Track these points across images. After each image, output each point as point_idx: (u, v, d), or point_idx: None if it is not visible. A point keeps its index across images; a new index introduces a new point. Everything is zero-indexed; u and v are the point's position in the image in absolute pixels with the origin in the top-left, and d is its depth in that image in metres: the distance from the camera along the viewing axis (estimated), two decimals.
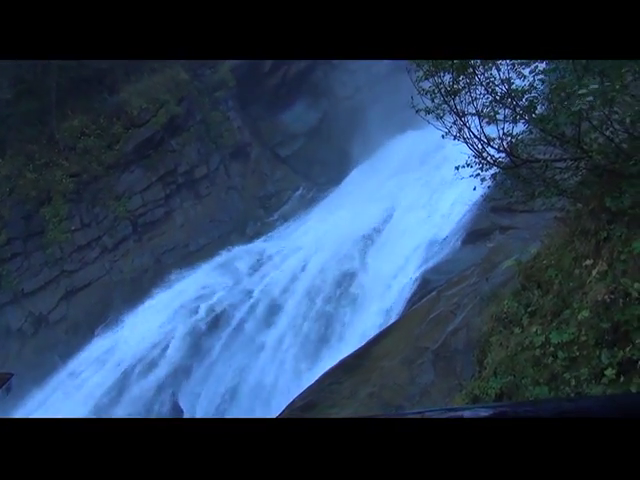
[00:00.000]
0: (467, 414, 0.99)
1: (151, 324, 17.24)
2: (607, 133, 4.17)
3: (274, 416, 10.20)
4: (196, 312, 17.10)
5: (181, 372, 15.99)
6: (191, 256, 19.63)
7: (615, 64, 3.56)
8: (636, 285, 3.79)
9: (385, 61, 18.45)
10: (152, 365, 16.09)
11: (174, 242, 19.72)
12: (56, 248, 17.67)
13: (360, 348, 10.52)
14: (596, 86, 3.58)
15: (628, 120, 3.96)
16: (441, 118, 4.94)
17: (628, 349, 3.80)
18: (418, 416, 1.00)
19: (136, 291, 18.30)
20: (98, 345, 17.27)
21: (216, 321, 16.73)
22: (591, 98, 3.61)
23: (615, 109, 3.96)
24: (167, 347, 16.41)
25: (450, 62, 4.48)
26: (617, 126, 4.12)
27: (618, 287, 3.93)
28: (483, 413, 1.02)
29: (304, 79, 22.56)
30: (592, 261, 4.37)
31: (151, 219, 19.37)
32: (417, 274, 13.39)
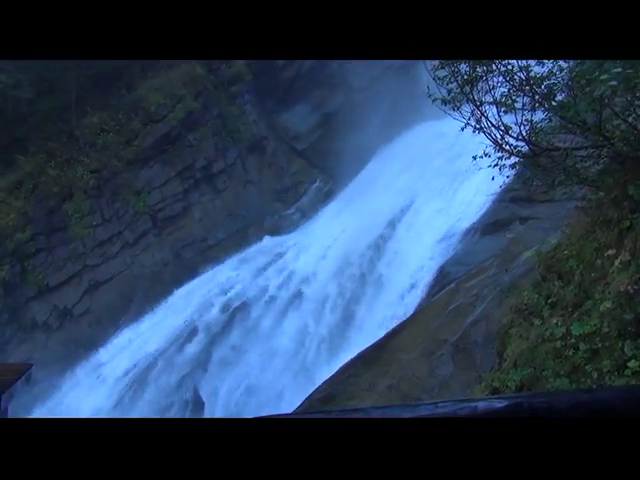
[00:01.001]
0: (481, 405, 0.98)
1: (172, 317, 17.51)
2: (630, 120, 4.06)
3: (293, 408, 10.29)
4: (216, 305, 17.30)
5: (202, 365, 16.23)
6: (210, 250, 19.83)
7: None
8: None
9: None
10: (174, 358, 16.37)
11: (193, 236, 19.92)
12: (78, 243, 18.02)
13: (379, 340, 10.51)
14: (619, 69, 3.47)
15: None
16: (458, 109, 4.87)
17: None
18: (431, 408, 0.99)
19: (157, 285, 18.59)
20: (121, 338, 17.62)
21: (235, 314, 16.90)
22: (615, 83, 3.50)
23: (638, 95, 3.85)
24: (189, 340, 16.66)
25: None
26: None
27: None
28: (497, 404, 1.01)
29: (319, 71, 22.45)
30: (614, 251, 4.28)
31: (170, 214, 19.59)
32: (436, 266, 13.30)
